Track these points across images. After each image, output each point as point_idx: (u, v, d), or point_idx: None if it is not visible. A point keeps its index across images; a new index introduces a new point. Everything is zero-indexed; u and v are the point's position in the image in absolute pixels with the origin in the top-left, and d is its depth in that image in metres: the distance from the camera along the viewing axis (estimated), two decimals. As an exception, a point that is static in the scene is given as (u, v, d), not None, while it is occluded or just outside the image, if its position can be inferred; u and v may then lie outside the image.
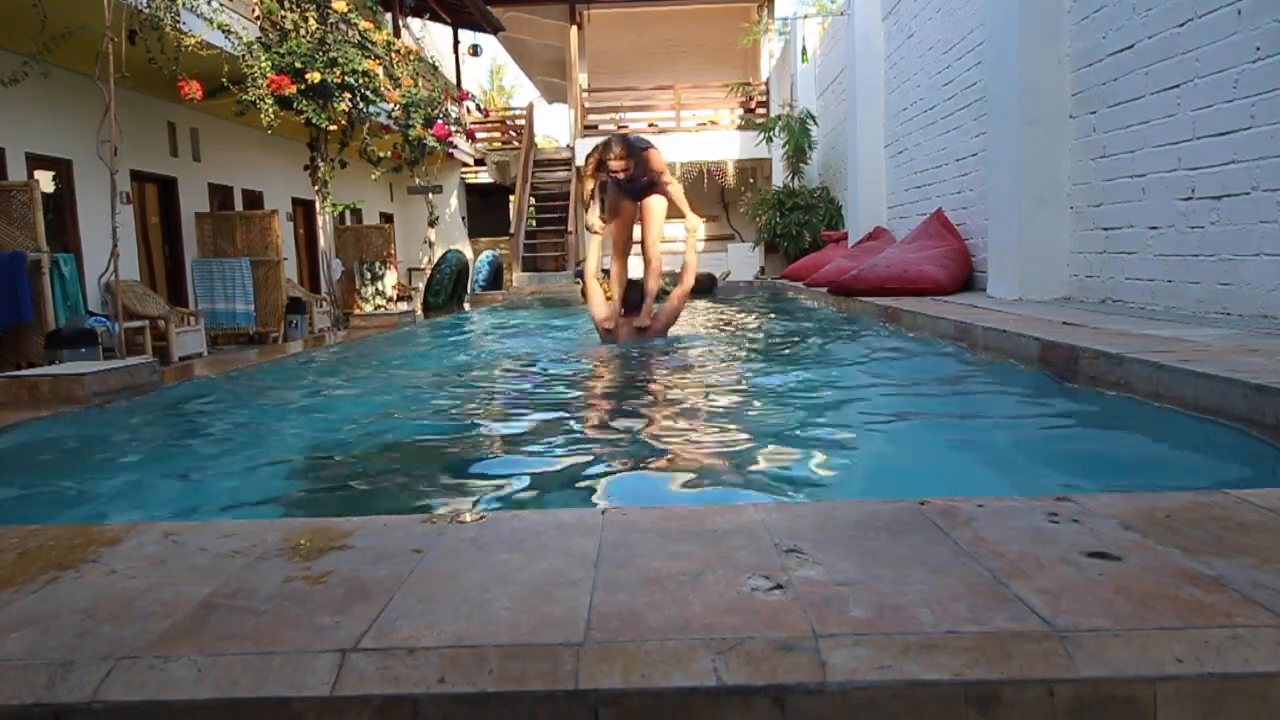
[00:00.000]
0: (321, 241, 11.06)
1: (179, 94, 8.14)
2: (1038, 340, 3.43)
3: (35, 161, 8.31)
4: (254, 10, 9.05)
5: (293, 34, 9.05)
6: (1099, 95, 5.28)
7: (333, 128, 9.74)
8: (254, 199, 12.48)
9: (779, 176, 14.64)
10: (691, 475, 2.35)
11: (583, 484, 2.27)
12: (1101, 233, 5.32)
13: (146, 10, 6.98)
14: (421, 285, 13.09)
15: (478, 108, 17.78)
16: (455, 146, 14.26)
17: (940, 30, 7.93)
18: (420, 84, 12.42)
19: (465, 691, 0.91)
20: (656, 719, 0.90)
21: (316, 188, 10.46)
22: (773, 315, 8.00)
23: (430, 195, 14.34)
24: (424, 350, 6.13)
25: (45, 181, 8.43)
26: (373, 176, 11.51)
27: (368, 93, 9.69)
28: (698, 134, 17.33)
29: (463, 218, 19.72)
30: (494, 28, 17.40)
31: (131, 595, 1.15)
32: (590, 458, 2.58)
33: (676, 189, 5.32)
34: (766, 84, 17.74)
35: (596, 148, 5.23)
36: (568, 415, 3.40)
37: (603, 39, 19.14)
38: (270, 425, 3.24)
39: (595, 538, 1.31)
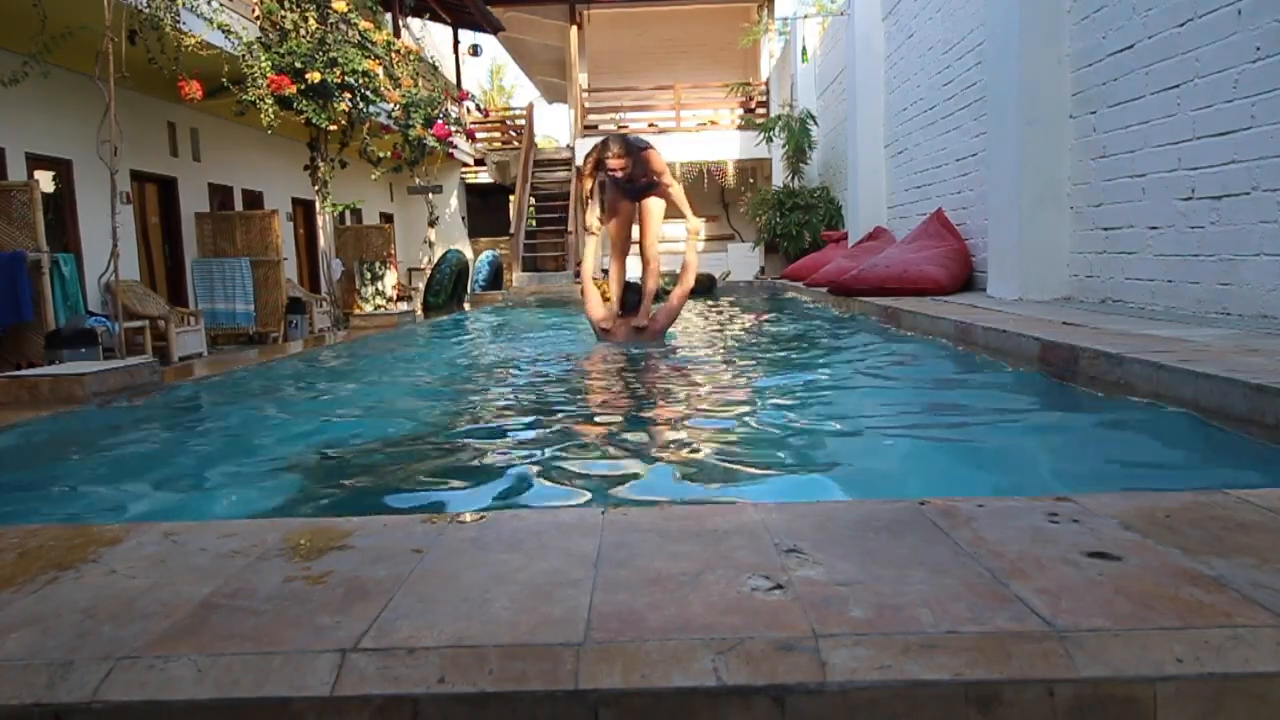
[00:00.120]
0: (321, 241, 11.06)
1: (179, 94, 8.14)
2: (1038, 340, 3.43)
3: (35, 161, 8.30)
4: (254, 10, 9.05)
5: (293, 34, 9.05)
6: (1099, 95, 5.28)
7: (333, 128, 9.73)
8: (254, 199, 12.47)
9: (779, 176, 14.64)
10: (691, 475, 2.35)
11: (582, 484, 2.27)
12: (1101, 233, 5.31)
13: (146, 10, 6.97)
14: (421, 285, 13.08)
15: (478, 108, 17.76)
16: (455, 146, 14.25)
17: (940, 30, 7.93)
18: (420, 84, 12.41)
19: (465, 691, 0.91)
20: (656, 719, 0.90)
21: (316, 188, 10.46)
22: (772, 315, 8.00)
23: (430, 195, 14.33)
24: (424, 350, 6.13)
25: (45, 181, 8.42)
26: (373, 176, 11.51)
27: (368, 93, 9.68)
28: (698, 134, 17.32)
29: (463, 218, 19.71)
30: (494, 28, 17.39)
31: (131, 595, 1.15)
32: (590, 458, 2.58)
33: (677, 190, 5.32)
34: (766, 84, 17.73)
35: (595, 147, 5.23)
36: (567, 415, 3.39)
37: (603, 39, 19.14)
38: (270, 425, 3.24)
39: (595, 538, 1.31)
